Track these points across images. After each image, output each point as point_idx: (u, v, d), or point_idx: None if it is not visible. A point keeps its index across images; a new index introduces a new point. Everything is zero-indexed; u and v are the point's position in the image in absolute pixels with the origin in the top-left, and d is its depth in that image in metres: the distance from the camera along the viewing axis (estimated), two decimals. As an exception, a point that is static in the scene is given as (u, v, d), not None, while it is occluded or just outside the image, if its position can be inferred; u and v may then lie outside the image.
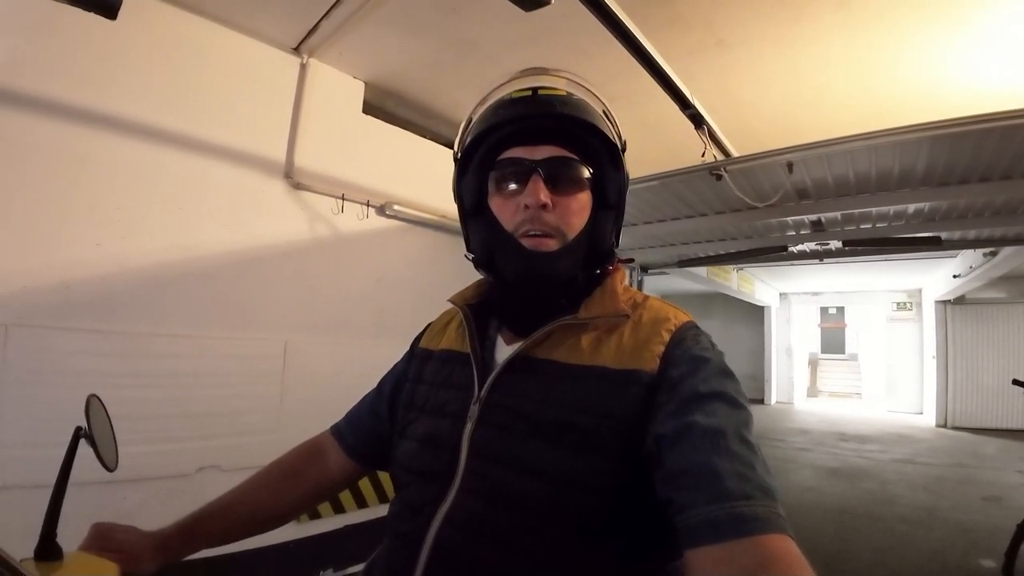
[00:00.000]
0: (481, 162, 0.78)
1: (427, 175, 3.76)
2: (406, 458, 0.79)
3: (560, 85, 0.79)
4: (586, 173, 0.76)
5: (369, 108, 3.61)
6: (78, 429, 0.78)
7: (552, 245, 0.74)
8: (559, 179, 0.74)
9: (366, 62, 3.36)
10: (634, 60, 2.71)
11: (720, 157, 3.48)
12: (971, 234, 4.72)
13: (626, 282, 0.85)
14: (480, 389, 0.74)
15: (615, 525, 0.64)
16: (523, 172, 0.74)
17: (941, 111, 2.82)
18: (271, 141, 3.08)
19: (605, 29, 2.47)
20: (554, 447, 0.66)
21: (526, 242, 0.74)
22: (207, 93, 2.81)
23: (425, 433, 0.78)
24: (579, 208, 0.76)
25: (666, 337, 0.71)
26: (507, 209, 0.76)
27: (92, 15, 1.94)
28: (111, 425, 0.86)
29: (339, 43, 3.10)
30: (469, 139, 0.80)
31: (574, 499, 0.63)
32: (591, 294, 0.78)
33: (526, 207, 0.73)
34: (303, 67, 3.20)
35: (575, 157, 0.76)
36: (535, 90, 0.76)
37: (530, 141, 0.75)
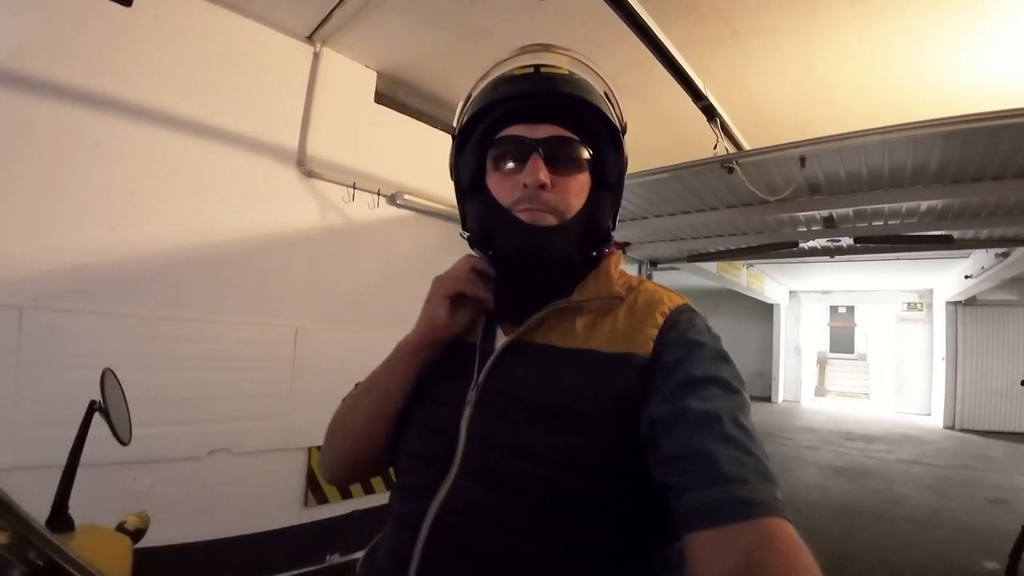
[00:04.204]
0: (480, 139, 0.78)
1: (438, 165, 3.71)
2: (405, 443, 0.80)
3: (562, 63, 0.78)
4: (586, 154, 0.76)
5: (381, 98, 3.61)
6: (93, 403, 0.79)
7: (551, 220, 0.73)
8: (559, 159, 0.74)
9: (378, 51, 3.36)
10: (648, 51, 2.68)
11: (732, 150, 3.45)
12: (983, 233, 4.66)
13: (621, 266, 0.85)
14: (478, 375, 0.74)
15: (612, 507, 0.64)
16: (523, 151, 0.73)
17: (956, 107, 2.78)
18: (283, 129, 3.09)
19: (619, 19, 2.44)
20: (549, 430, 0.66)
21: (524, 215, 0.73)
22: (221, 80, 2.82)
23: (425, 419, 0.78)
24: (578, 189, 0.76)
25: (660, 320, 0.71)
26: (505, 187, 0.75)
27: (108, 2, 1.96)
28: (125, 399, 0.87)
29: (352, 32, 3.09)
30: (468, 116, 0.79)
31: (570, 481, 0.64)
32: (585, 277, 0.78)
33: (525, 186, 0.72)
34: (316, 56, 3.20)
35: (575, 137, 0.75)
36: (537, 67, 0.75)
37: (530, 119, 0.74)
